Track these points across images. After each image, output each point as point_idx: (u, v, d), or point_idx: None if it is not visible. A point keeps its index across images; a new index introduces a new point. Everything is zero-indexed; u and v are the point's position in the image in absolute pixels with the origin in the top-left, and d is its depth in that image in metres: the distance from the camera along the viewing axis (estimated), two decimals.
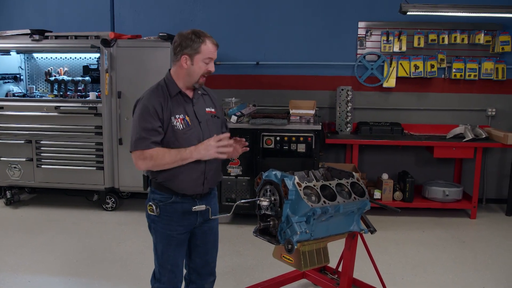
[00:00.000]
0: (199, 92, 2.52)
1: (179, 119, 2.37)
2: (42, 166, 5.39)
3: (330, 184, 2.59)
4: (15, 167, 5.42)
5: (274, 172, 2.54)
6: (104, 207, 5.44)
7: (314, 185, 2.52)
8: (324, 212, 2.42)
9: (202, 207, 2.30)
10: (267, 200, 2.49)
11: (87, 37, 5.22)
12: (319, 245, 2.67)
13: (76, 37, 5.26)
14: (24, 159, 5.39)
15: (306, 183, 2.50)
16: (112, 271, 3.89)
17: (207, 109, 2.52)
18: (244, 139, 2.61)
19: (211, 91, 2.67)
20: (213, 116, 2.54)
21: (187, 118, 2.39)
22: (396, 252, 4.33)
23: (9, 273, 3.84)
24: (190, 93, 2.48)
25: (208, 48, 2.37)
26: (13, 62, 5.78)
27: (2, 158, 5.44)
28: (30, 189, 6.04)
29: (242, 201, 2.55)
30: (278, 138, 4.87)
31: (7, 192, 5.56)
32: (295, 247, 2.37)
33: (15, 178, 5.45)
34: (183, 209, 2.44)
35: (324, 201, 2.45)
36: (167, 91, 2.41)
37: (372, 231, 2.83)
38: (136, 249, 4.32)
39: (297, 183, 2.42)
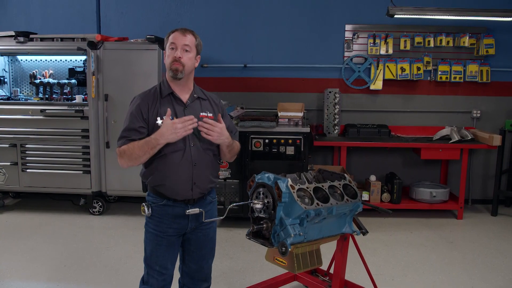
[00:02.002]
0: (195, 95, 2.50)
1: None
2: (27, 170, 5.29)
3: (323, 186, 2.60)
4: None
5: (267, 175, 2.53)
6: (91, 211, 5.36)
7: (307, 188, 2.52)
8: (318, 214, 2.42)
9: (195, 210, 2.28)
10: (261, 202, 2.48)
11: (73, 39, 5.15)
12: (312, 247, 2.66)
13: (62, 39, 5.19)
14: (8, 163, 5.29)
15: (299, 185, 2.50)
16: (101, 276, 3.83)
17: (202, 113, 2.48)
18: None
19: (215, 96, 2.64)
20: None
21: (175, 119, 2.35)
22: (385, 254, 4.36)
23: None
24: (184, 97, 2.47)
25: (172, 36, 2.41)
26: None
27: None
28: (14, 194, 5.94)
29: (234, 204, 2.53)
30: (267, 141, 4.87)
31: None
32: (289, 249, 2.37)
33: None
34: (173, 213, 2.45)
35: (317, 203, 2.45)
36: (159, 92, 2.44)
37: (364, 232, 2.84)
38: (124, 254, 4.27)
39: (291, 185, 2.41)
